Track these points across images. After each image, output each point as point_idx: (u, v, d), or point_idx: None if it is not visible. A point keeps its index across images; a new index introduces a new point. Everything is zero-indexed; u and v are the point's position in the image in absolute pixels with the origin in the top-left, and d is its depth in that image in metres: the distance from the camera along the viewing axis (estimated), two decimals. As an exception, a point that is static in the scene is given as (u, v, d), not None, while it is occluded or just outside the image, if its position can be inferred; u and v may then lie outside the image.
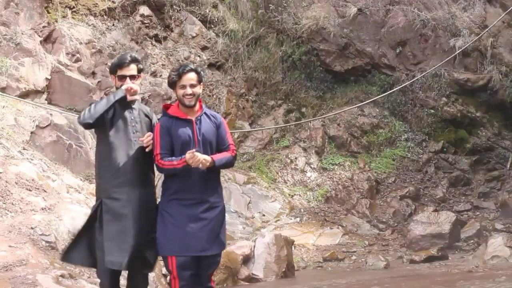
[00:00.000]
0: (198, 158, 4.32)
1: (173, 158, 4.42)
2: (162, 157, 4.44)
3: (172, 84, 4.58)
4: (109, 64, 11.33)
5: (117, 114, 4.56)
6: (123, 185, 4.45)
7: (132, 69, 4.61)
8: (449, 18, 12.67)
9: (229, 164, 4.64)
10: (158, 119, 4.77)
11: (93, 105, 4.48)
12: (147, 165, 4.57)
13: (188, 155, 4.31)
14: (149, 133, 4.59)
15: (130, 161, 4.48)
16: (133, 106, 4.65)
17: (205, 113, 4.63)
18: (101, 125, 4.52)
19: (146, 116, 4.72)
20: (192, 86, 4.52)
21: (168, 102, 10.87)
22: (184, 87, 4.51)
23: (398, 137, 13.03)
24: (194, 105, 4.56)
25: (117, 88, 4.63)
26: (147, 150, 4.52)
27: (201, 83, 4.62)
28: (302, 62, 13.52)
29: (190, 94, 4.51)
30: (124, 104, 4.60)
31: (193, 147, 4.42)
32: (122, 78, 4.58)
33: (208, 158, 4.40)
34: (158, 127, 4.53)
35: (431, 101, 12.83)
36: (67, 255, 4.66)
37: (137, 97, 4.69)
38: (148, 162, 4.56)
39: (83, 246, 4.53)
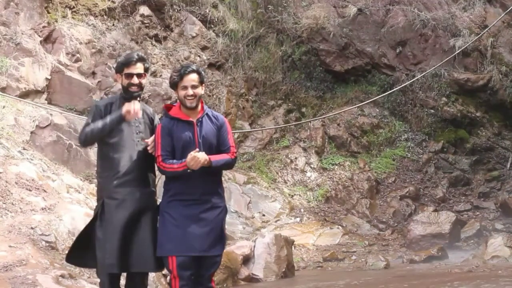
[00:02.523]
0: (199, 160, 4.31)
1: (174, 161, 4.41)
2: (163, 159, 4.44)
3: (174, 85, 4.56)
4: (109, 64, 11.44)
5: None
6: (125, 185, 4.45)
7: (139, 68, 4.60)
8: (449, 18, 12.67)
9: (227, 166, 4.61)
10: (160, 118, 4.76)
11: (90, 130, 4.44)
12: (148, 166, 4.57)
13: (189, 156, 4.31)
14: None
15: (133, 162, 4.47)
16: None
17: (206, 114, 4.60)
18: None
19: (149, 116, 4.72)
20: (193, 87, 4.49)
21: (168, 102, 10.86)
22: (185, 88, 4.49)
23: (398, 137, 13.04)
24: (196, 106, 4.54)
25: (123, 87, 4.62)
26: (152, 153, 4.53)
27: (203, 84, 4.60)
28: (302, 62, 13.52)
29: (192, 95, 4.49)
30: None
31: (193, 149, 4.42)
32: (129, 76, 4.57)
33: (206, 157, 4.39)
34: (159, 129, 4.52)
35: (431, 101, 12.83)
36: (70, 257, 4.66)
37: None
38: (149, 163, 4.56)
39: (86, 247, 4.53)
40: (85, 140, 4.54)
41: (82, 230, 4.66)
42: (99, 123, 4.44)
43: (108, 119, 4.45)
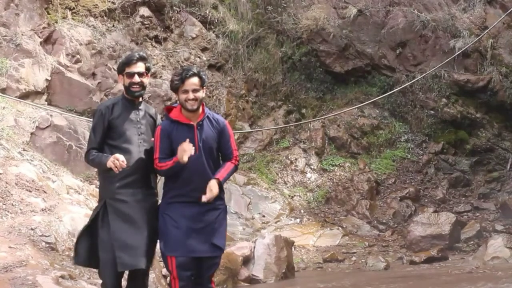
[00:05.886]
0: (187, 152, 4.32)
1: (167, 158, 4.43)
2: (159, 161, 4.45)
3: (175, 89, 4.56)
4: (109, 65, 11.43)
5: (122, 115, 4.56)
6: (127, 186, 4.45)
7: (140, 67, 4.61)
8: (449, 19, 12.67)
9: (232, 174, 4.73)
10: (162, 118, 4.76)
11: (91, 159, 4.52)
12: (150, 166, 4.58)
13: (184, 145, 4.32)
14: None
15: (135, 163, 4.48)
16: (139, 107, 4.65)
17: (207, 117, 4.60)
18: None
19: (151, 117, 4.72)
20: (194, 91, 4.48)
21: (168, 103, 10.87)
22: (186, 91, 4.47)
23: (398, 138, 13.03)
24: (197, 109, 4.53)
25: (125, 87, 4.62)
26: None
27: (204, 87, 4.59)
28: (302, 63, 13.51)
29: (193, 99, 4.48)
30: (130, 105, 4.60)
31: (194, 152, 4.42)
32: (130, 75, 4.58)
33: (214, 184, 4.43)
34: (159, 131, 4.52)
35: (431, 102, 12.82)
36: (77, 258, 4.67)
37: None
38: (151, 164, 4.56)
39: (85, 247, 4.54)
40: (89, 163, 4.69)
41: (81, 231, 4.66)
42: (97, 159, 4.48)
43: (100, 161, 4.46)
